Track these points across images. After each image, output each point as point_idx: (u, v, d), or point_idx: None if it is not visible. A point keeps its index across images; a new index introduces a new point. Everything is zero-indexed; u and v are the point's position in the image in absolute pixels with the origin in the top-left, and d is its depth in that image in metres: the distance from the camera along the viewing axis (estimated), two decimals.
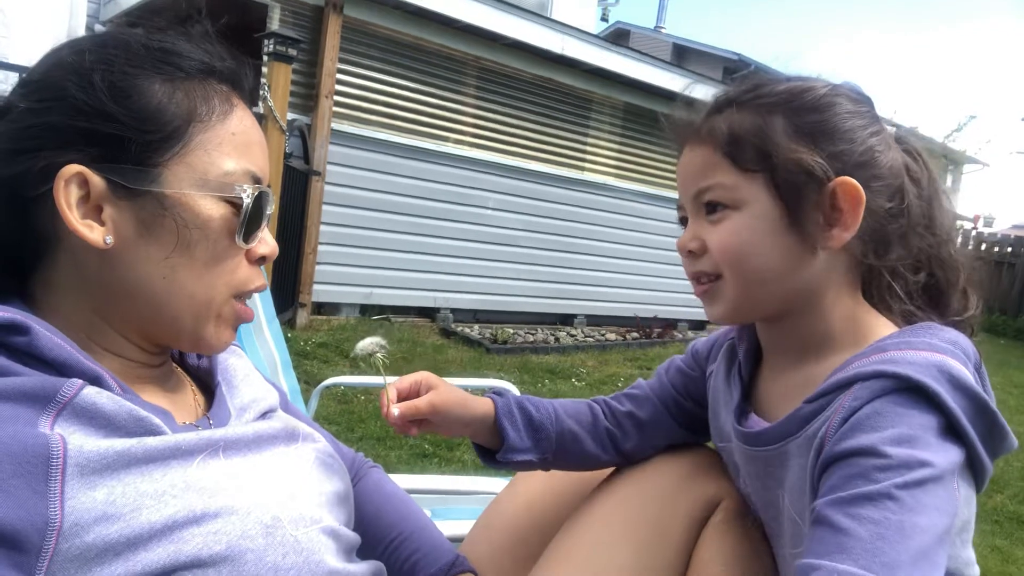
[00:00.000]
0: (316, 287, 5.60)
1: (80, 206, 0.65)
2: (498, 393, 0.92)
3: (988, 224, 16.98)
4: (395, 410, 0.83)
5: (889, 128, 0.79)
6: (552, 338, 6.55)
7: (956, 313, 0.78)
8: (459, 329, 6.18)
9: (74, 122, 0.64)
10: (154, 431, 0.64)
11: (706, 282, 0.78)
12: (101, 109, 0.64)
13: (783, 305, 0.77)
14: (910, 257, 0.76)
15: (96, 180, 0.65)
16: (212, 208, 0.69)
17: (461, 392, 0.88)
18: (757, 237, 0.74)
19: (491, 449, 0.92)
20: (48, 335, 0.63)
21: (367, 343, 0.88)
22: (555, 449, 0.91)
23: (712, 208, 0.76)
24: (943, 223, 0.78)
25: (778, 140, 0.73)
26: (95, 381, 0.63)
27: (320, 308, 5.77)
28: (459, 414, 0.87)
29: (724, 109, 0.77)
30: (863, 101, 0.78)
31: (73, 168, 0.64)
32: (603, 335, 7.06)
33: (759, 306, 0.78)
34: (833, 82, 0.78)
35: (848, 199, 0.72)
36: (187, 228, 0.67)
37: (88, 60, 0.66)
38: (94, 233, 0.65)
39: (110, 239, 0.65)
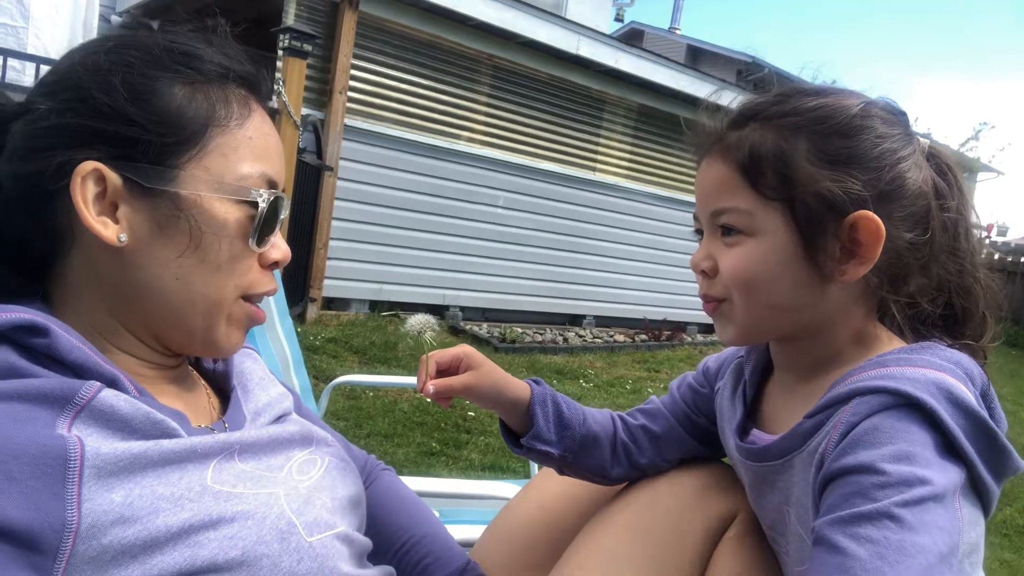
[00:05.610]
0: (326, 282, 5.62)
1: (96, 203, 0.65)
2: (536, 381, 0.92)
3: (1002, 233, 16.84)
4: (431, 387, 0.84)
5: (922, 142, 0.76)
6: (560, 338, 6.55)
7: (971, 338, 0.77)
8: (468, 327, 6.18)
9: (94, 123, 0.65)
10: (170, 434, 0.64)
11: (714, 302, 0.78)
12: (121, 111, 0.65)
13: (794, 330, 0.76)
14: (930, 287, 0.74)
15: (113, 177, 0.65)
16: (227, 211, 0.69)
17: (498, 374, 0.88)
18: (770, 268, 0.73)
19: (516, 433, 0.91)
20: (67, 337, 0.63)
21: (417, 320, 0.90)
22: (576, 450, 0.91)
23: (727, 231, 0.75)
24: (968, 248, 0.76)
25: (800, 167, 0.71)
26: (112, 383, 0.63)
27: (330, 303, 5.79)
28: (493, 396, 0.88)
29: (747, 123, 0.75)
30: (896, 120, 0.75)
31: (90, 164, 0.64)
32: (612, 336, 7.06)
33: (769, 331, 0.78)
34: (867, 98, 0.75)
35: (867, 233, 0.70)
36: (201, 230, 0.67)
37: (109, 62, 0.66)
38: (108, 231, 0.65)
39: (124, 237, 0.66)
